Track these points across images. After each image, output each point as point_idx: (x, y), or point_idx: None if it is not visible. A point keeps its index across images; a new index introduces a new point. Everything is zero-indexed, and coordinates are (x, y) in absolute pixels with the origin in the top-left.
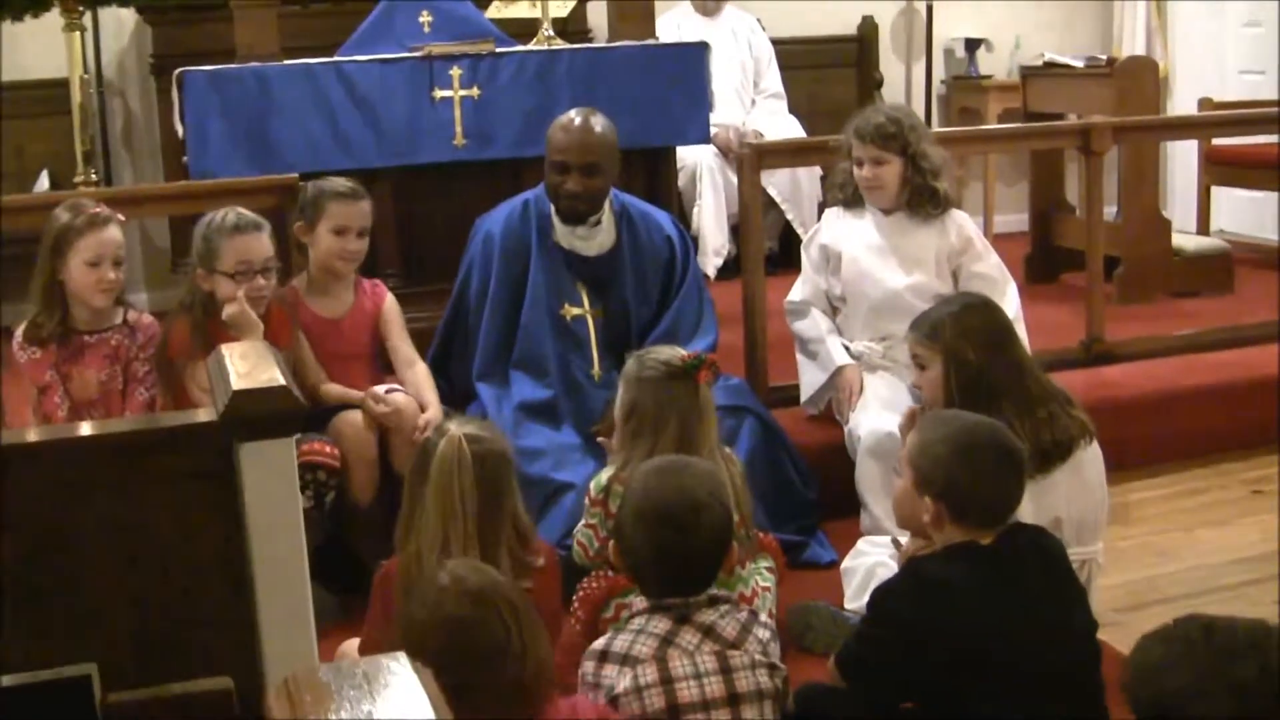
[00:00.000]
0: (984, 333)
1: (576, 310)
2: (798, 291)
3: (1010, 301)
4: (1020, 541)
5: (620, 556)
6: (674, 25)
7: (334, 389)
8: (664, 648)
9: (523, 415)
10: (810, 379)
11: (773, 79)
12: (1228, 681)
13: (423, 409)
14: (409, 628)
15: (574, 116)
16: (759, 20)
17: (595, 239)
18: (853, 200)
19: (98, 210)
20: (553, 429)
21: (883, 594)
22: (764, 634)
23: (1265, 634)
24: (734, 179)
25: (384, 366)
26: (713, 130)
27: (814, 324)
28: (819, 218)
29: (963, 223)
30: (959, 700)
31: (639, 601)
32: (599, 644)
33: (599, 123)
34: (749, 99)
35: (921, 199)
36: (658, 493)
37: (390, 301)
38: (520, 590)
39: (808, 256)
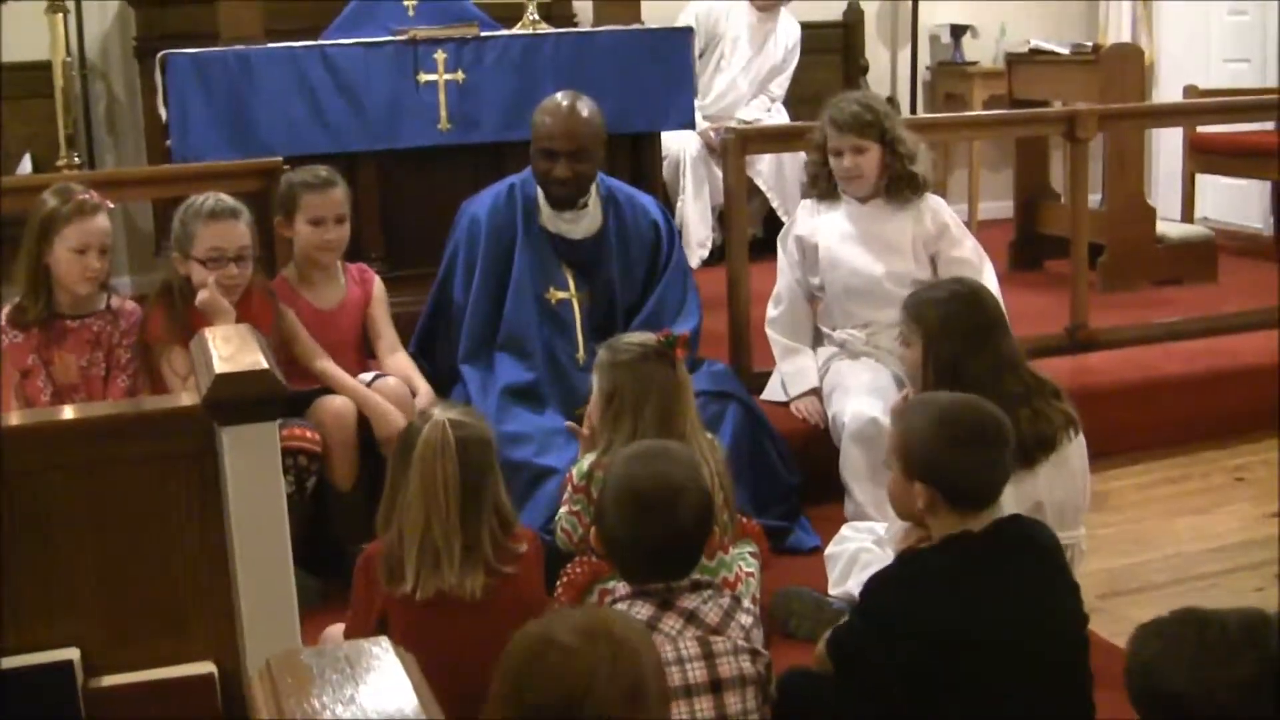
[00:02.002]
0: (967, 326)
1: (562, 293)
2: (776, 287)
3: (988, 283)
4: (1012, 533)
5: (601, 543)
6: (724, 13)
7: (332, 370)
8: None
9: (507, 399)
10: (773, 388)
11: (781, 84)
12: (1225, 681)
13: (413, 393)
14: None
15: (560, 101)
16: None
17: (581, 222)
18: (827, 192)
19: (86, 197)
20: (537, 413)
21: (875, 585)
22: (746, 619)
23: (1262, 623)
24: (719, 171)
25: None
26: (702, 125)
27: (778, 346)
28: None
29: (938, 208)
30: (948, 691)
31: (622, 587)
32: None
33: (585, 107)
34: (757, 95)
35: (900, 184)
36: (636, 479)
37: (379, 286)
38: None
39: (784, 251)
